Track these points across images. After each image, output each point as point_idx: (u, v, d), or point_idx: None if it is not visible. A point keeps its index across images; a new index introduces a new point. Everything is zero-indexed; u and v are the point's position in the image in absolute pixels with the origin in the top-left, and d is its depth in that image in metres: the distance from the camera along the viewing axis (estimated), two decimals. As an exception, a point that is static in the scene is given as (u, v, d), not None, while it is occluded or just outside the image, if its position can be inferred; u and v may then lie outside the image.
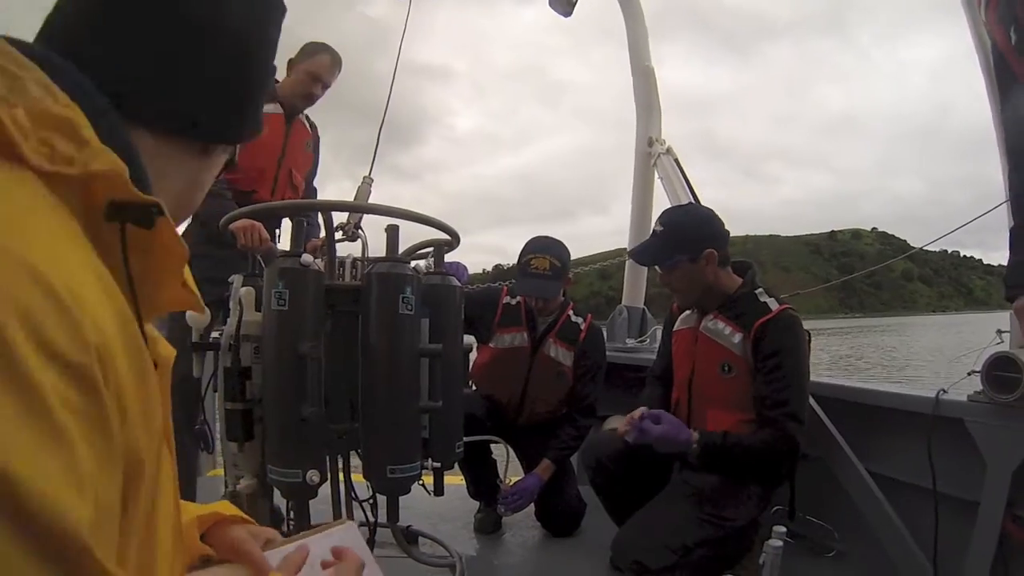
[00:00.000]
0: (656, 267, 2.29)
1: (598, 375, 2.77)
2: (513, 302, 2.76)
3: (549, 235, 2.75)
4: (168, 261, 0.52)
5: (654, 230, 2.24)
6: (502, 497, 2.54)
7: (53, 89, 0.45)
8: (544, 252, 2.62)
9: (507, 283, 2.96)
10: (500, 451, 2.51)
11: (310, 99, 2.84)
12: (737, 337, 2.07)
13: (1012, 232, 1.66)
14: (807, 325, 2.15)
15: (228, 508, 0.81)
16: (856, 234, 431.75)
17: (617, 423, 2.09)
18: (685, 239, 2.13)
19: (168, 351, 0.58)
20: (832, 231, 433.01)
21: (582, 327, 2.75)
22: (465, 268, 2.58)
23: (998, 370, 1.88)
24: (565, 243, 2.71)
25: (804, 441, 2.01)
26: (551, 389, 2.72)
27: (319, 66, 2.79)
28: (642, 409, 2.09)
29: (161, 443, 0.50)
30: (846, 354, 33.65)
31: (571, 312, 2.77)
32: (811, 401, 2.19)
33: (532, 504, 2.66)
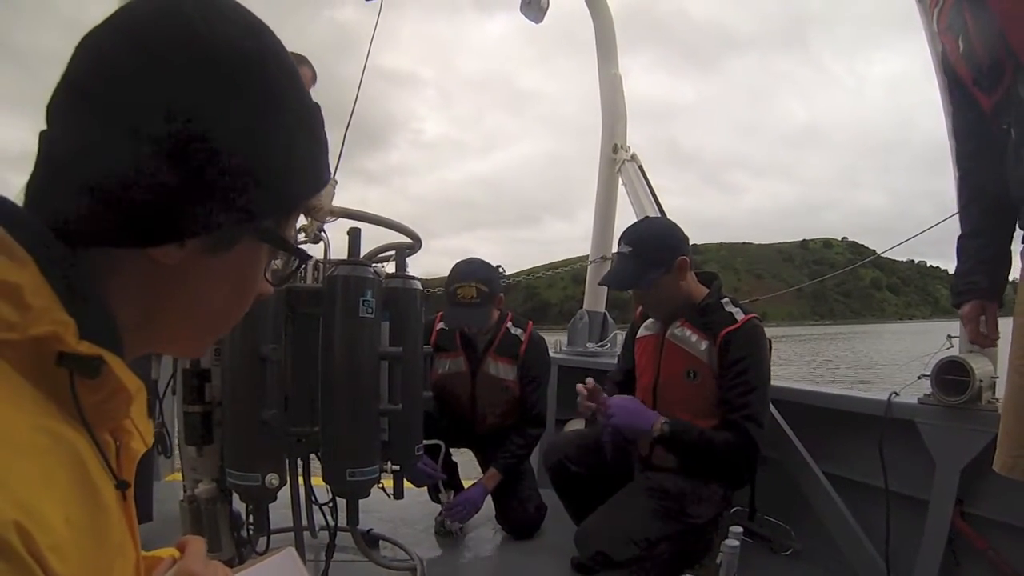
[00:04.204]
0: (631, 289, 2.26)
1: (542, 386, 2.77)
2: (448, 327, 2.75)
3: (475, 257, 2.71)
4: (116, 400, 0.52)
5: (621, 252, 2.21)
6: (446, 508, 2.57)
7: (11, 248, 0.46)
8: (469, 279, 2.58)
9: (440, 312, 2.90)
10: (459, 455, 2.51)
11: None
12: (704, 344, 2.11)
13: (959, 241, 1.69)
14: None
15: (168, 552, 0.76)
16: (827, 243, 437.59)
17: (578, 426, 2.10)
18: (657, 253, 2.14)
19: (140, 444, 0.58)
20: (804, 240, 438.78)
21: (522, 339, 2.74)
22: None
23: (947, 374, 1.95)
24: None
25: (763, 444, 2.05)
26: (498, 403, 2.73)
27: None
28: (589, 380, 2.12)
29: (114, 559, 0.50)
30: (817, 361, 33.90)
31: (510, 324, 2.75)
32: (770, 406, 2.23)
33: (493, 507, 2.68)
